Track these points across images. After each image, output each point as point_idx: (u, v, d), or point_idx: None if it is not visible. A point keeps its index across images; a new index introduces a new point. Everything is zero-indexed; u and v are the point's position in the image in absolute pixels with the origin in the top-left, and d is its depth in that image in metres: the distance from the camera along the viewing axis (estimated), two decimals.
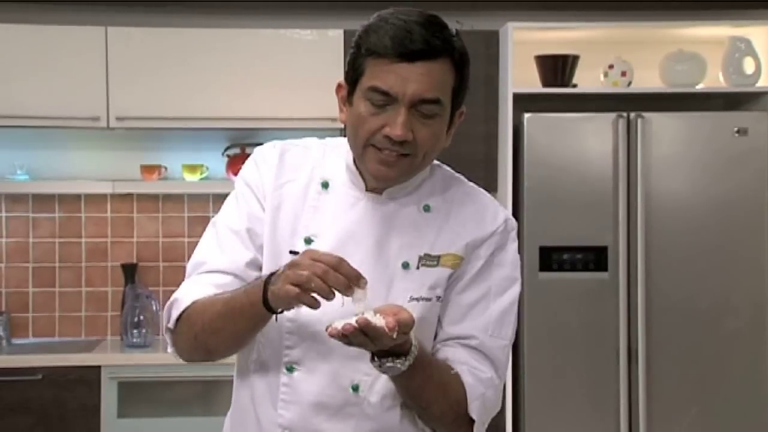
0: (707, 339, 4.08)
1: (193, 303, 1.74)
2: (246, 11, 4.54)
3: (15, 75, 4.25)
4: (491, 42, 4.28)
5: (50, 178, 4.54)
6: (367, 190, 1.79)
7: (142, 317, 4.38)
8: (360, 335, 1.53)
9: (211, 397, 4.08)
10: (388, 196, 1.79)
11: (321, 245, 1.73)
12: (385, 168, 1.70)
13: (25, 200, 4.61)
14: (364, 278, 1.55)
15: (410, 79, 1.65)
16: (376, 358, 1.63)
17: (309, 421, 1.75)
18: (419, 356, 1.64)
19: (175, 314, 1.75)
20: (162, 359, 4.15)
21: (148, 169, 4.50)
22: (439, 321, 1.80)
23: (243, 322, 1.69)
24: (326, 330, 1.55)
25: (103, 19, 4.39)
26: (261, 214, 1.80)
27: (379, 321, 1.53)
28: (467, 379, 1.74)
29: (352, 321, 1.52)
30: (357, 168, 1.79)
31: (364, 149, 1.71)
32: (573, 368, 4.08)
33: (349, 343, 1.56)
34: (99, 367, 4.09)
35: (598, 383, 4.07)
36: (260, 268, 1.79)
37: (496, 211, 1.85)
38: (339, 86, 1.77)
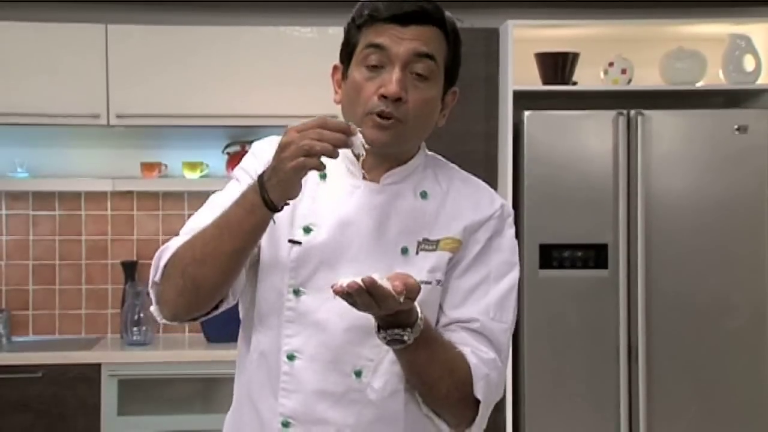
0: (707, 336, 4.08)
1: (183, 245, 1.71)
2: (246, 9, 4.54)
3: (15, 72, 4.25)
4: (491, 40, 4.27)
5: (50, 176, 4.54)
6: (364, 178, 1.80)
7: (142, 315, 4.37)
8: (365, 295, 1.52)
9: (211, 394, 4.07)
10: (385, 184, 1.80)
11: (320, 234, 1.75)
12: (379, 132, 1.72)
13: (25, 198, 4.61)
14: (351, 124, 1.58)
15: (404, 38, 1.70)
16: (381, 330, 1.63)
17: (311, 408, 1.75)
18: (424, 330, 1.64)
19: (164, 261, 1.72)
20: (162, 357, 4.15)
21: (148, 167, 4.50)
22: (441, 307, 1.80)
23: (240, 235, 1.64)
24: (332, 288, 1.54)
25: (104, 16, 4.38)
26: None
27: (386, 283, 1.53)
28: (471, 359, 1.74)
29: (358, 279, 1.51)
30: (354, 156, 1.81)
31: (361, 120, 1.73)
32: (573, 365, 4.08)
33: (353, 304, 1.55)
34: (99, 364, 4.09)
35: (598, 380, 4.07)
36: (257, 248, 1.77)
37: (492, 196, 1.87)
38: (335, 68, 1.83)
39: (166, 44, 4.30)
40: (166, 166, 4.57)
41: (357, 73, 1.74)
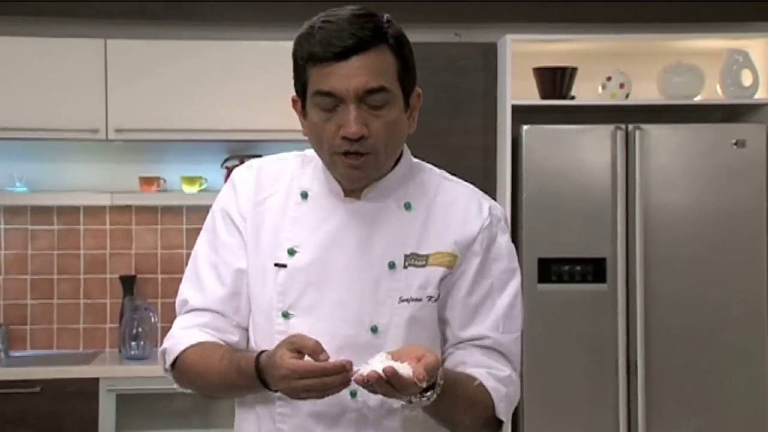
0: (706, 350, 4.08)
1: (184, 353, 1.79)
2: (244, 23, 4.55)
3: (14, 87, 4.25)
4: (489, 54, 4.28)
5: (49, 190, 4.54)
6: (345, 196, 1.79)
7: (140, 329, 4.37)
8: (385, 384, 1.51)
9: (209, 409, 4.06)
10: (367, 199, 1.78)
11: (304, 255, 1.75)
12: (355, 171, 1.71)
13: (24, 212, 4.61)
14: (349, 361, 1.55)
15: (350, 75, 1.65)
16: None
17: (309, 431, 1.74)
18: (444, 383, 1.61)
19: (170, 359, 1.82)
20: (160, 371, 4.10)
21: (147, 181, 4.50)
22: (448, 323, 1.79)
23: (241, 393, 1.79)
24: (353, 378, 1.54)
25: (103, 31, 4.39)
26: (238, 239, 1.81)
27: (405, 370, 1.51)
28: (489, 383, 1.74)
29: (379, 368, 1.50)
30: (333, 175, 1.80)
31: (330, 159, 1.72)
32: (572, 379, 4.07)
33: (374, 391, 1.54)
34: (97, 379, 4.08)
35: (597, 394, 4.06)
36: (240, 296, 1.81)
37: (480, 202, 1.84)
38: (294, 101, 1.81)
39: (164, 59, 4.31)
40: (164, 180, 4.57)
41: (314, 114, 1.71)
